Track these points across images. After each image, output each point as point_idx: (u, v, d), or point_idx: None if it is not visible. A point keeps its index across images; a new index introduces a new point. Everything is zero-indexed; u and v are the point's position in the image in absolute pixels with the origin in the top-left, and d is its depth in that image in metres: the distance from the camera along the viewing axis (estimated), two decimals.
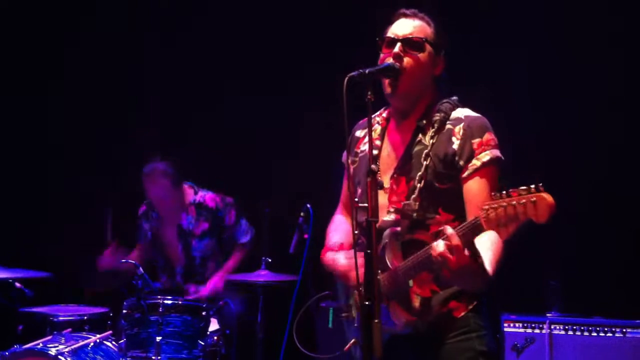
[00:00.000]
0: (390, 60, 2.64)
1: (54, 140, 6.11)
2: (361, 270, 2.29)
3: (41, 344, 4.09)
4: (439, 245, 2.28)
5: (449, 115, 2.67)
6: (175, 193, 5.11)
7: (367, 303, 2.23)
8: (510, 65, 5.12)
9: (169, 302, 4.06)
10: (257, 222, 5.19)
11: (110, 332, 4.38)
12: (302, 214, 4.36)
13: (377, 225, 2.33)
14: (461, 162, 2.59)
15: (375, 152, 2.73)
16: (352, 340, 2.75)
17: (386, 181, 2.68)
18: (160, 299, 4.06)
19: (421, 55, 2.67)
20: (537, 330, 4.47)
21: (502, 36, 5.10)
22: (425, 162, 2.62)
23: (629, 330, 4.36)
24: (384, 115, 2.86)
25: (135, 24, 6.09)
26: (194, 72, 5.96)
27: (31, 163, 6.05)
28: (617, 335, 4.36)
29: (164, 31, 6.09)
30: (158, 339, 3.93)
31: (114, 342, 4.28)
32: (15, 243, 5.79)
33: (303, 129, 5.60)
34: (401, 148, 2.72)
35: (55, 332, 4.25)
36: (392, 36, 2.69)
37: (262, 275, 4.65)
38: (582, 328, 4.42)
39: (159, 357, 3.91)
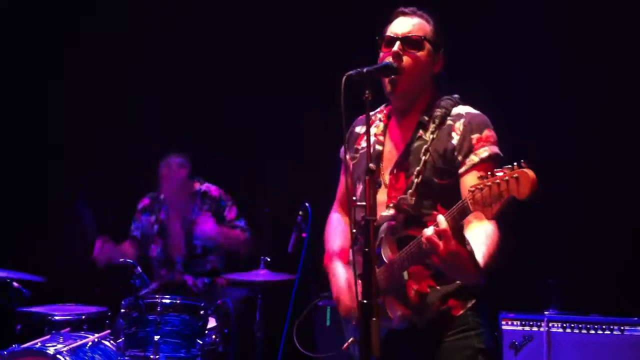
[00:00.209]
0: (389, 59, 2.64)
1: (54, 140, 6.11)
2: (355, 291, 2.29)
3: (39, 344, 4.08)
4: (428, 230, 2.29)
5: (450, 111, 2.68)
6: (188, 185, 5.21)
7: (364, 301, 2.23)
8: (510, 65, 5.12)
9: (167, 301, 4.05)
10: (256, 222, 5.19)
11: (109, 331, 4.38)
12: (300, 212, 4.37)
13: (375, 222, 2.33)
14: (460, 157, 2.59)
15: (378, 148, 2.75)
16: (351, 339, 2.75)
17: (386, 177, 2.69)
18: (158, 298, 4.06)
19: (420, 54, 2.68)
20: (535, 328, 4.47)
21: (502, 36, 5.10)
22: (424, 158, 2.62)
23: (626, 328, 4.35)
24: (385, 112, 2.87)
25: (135, 24, 6.10)
26: (194, 72, 5.96)
27: (31, 163, 6.04)
28: (615, 333, 4.36)
29: (164, 31, 6.09)
30: (156, 338, 3.92)
31: (112, 342, 4.28)
32: (15, 243, 5.79)
33: (303, 129, 5.60)
34: (402, 144, 2.72)
35: (53, 332, 4.25)
36: (391, 35, 2.70)
37: (260, 275, 4.65)
38: (580, 326, 4.41)
39: (157, 356, 3.90)
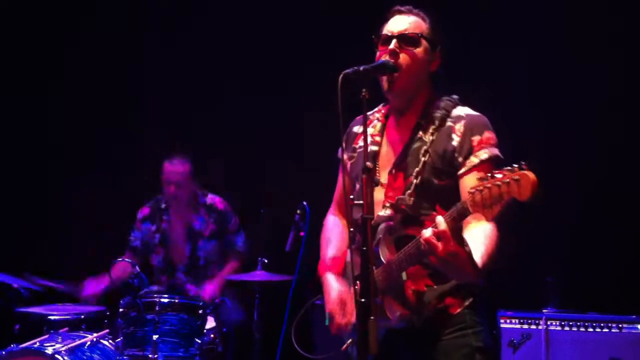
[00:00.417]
0: (386, 57, 2.64)
1: (54, 140, 6.11)
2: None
3: (38, 343, 4.08)
4: (427, 232, 2.28)
5: (450, 112, 2.68)
6: (190, 186, 5.19)
7: (362, 301, 2.23)
8: (510, 65, 5.11)
9: (166, 300, 4.05)
10: (256, 222, 5.19)
11: (107, 330, 4.37)
12: (298, 211, 4.37)
13: (373, 222, 2.34)
14: (460, 159, 2.59)
15: (375, 147, 2.75)
16: (350, 340, 2.75)
17: (384, 177, 2.69)
18: (156, 297, 4.06)
19: (417, 51, 2.68)
20: (533, 327, 4.47)
21: (502, 36, 5.10)
22: (423, 159, 2.62)
23: (625, 325, 4.36)
24: (383, 111, 2.87)
25: (135, 24, 6.09)
26: (194, 72, 5.96)
27: (31, 163, 6.04)
28: (613, 330, 4.36)
29: (164, 31, 6.08)
30: (155, 337, 3.92)
31: (110, 341, 4.27)
32: (15, 243, 5.79)
33: (303, 129, 5.59)
34: (400, 144, 2.72)
35: (52, 331, 4.24)
36: (388, 33, 2.70)
37: (258, 275, 4.64)
38: (579, 324, 4.42)
39: (155, 356, 3.90)
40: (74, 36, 6.08)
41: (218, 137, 5.87)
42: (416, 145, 2.66)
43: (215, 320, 4.41)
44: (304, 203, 4.32)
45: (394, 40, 2.66)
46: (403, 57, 2.65)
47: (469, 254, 2.31)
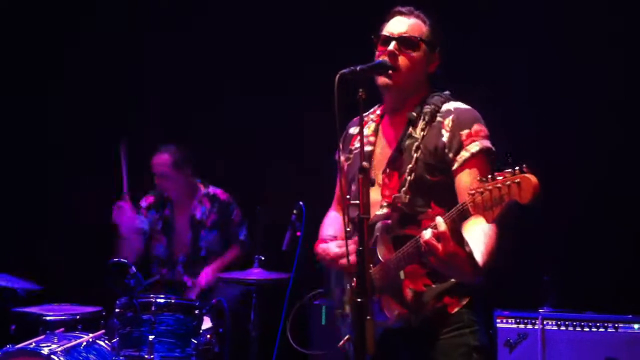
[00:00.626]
0: (384, 58, 2.65)
1: (54, 140, 6.11)
2: (352, 258, 2.29)
3: (34, 344, 4.08)
4: (427, 233, 2.27)
5: (440, 107, 2.67)
6: (179, 177, 5.19)
7: (359, 300, 2.23)
8: (510, 65, 5.10)
9: (162, 300, 4.04)
10: (252, 221, 5.20)
11: (103, 331, 4.37)
12: (294, 211, 4.38)
13: (369, 221, 2.34)
14: (450, 155, 2.59)
15: (369, 148, 2.75)
16: (347, 337, 2.74)
17: (379, 176, 2.68)
18: (152, 297, 4.05)
19: (416, 54, 2.68)
20: (529, 326, 4.46)
21: (502, 36, 5.08)
22: (415, 155, 2.62)
23: (621, 325, 4.34)
24: (378, 112, 2.88)
25: (135, 24, 6.09)
26: (194, 72, 5.95)
27: (31, 163, 6.04)
28: (609, 330, 4.34)
29: (164, 31, 6.08)
30: (151, 337, 3.90)
31: (106, 341, 4.27)
32: (14, 243, 5.79)
33: (303, 129, 5.58)
34: (394, 142, 2.72)
35: (47, 332, 4.24)
36: (387, 34, 2.70)
37: (255, 274, 4.63)
38: (575, 323, 4.39)
39: (152, 356, 3.88)
40: (74, 36, 6.08)
41: (218, 137, 5.87)
42: (408, 142, 2.66)
43: (212, 321, 4.40)
44: (301, 203, 4.33)
45: (393, 42, 2.66)
46: (402, 60, 2.66)
47: (469, 254, 2.31)
